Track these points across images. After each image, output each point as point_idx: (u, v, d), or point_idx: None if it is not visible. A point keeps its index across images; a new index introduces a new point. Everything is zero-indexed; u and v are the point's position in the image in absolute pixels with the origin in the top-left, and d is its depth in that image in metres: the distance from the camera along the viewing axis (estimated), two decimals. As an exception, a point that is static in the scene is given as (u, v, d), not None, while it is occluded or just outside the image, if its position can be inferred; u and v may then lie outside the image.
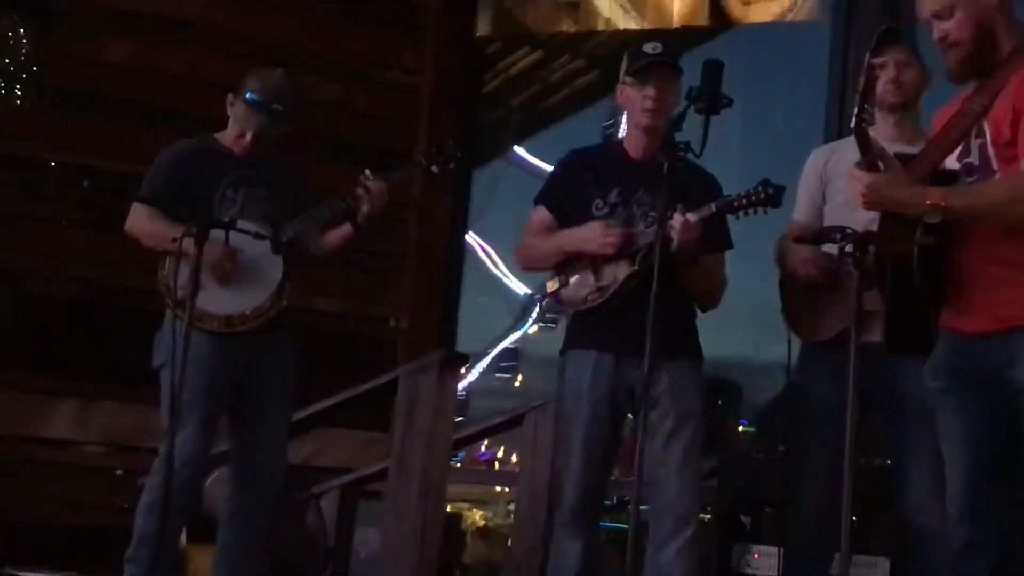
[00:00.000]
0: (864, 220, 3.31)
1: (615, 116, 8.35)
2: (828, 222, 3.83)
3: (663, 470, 3.78)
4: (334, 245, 4.38)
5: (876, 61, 3.35)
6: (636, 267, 3.79)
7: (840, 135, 5.81)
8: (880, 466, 4.12)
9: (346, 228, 4.32)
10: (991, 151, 3.13)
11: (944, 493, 3.22)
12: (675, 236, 3.64)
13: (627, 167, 3.96)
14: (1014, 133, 3.08)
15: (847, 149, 3.60)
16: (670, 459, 3.78)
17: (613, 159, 4.02)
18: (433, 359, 4.82)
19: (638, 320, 3.46)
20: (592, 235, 3.86)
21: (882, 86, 3.81)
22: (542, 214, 4.05)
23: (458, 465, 7.00)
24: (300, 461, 5.20)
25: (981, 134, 3.16)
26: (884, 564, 4.20)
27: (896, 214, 3.13)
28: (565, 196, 4.03)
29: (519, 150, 8.87)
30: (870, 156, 3.11)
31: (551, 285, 4.01)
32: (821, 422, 3.77)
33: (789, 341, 4.03)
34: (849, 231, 3.22)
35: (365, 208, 4.24)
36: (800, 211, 4.05)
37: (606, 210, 3.93)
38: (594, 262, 3.89)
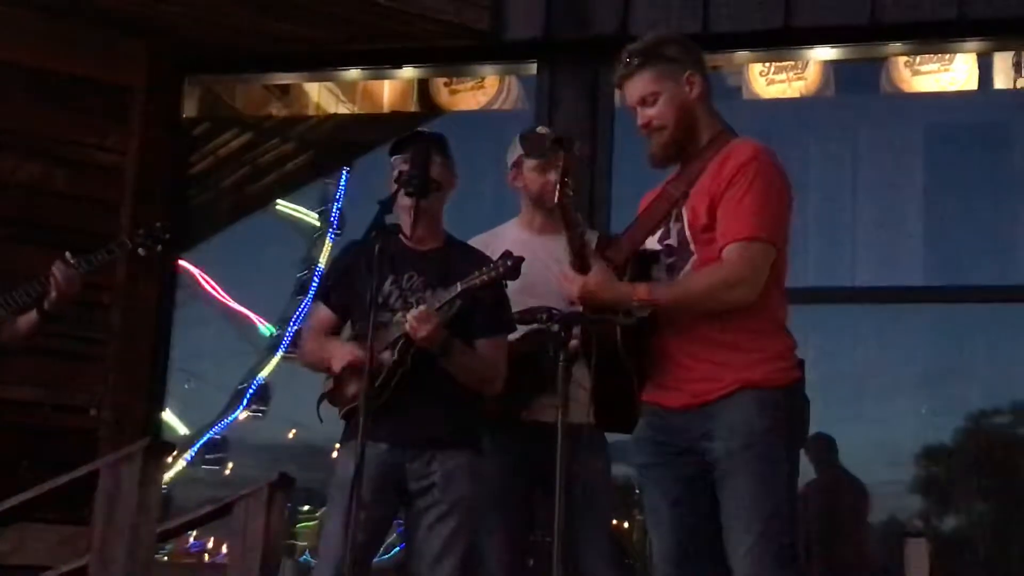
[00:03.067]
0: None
1: (327, 203, 8.32)
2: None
3: (421, 559, 3.78)
4: (22, 332, 4.22)
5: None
6: (395, 356, 3.77)
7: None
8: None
9: (33, 314, 4.17)
10: (688, 234, 3.25)
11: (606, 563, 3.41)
12: (409, 329, 3.64)
13: (403, 255, 3.94)
14: (711, 218, 3.21)
15: (502, 235, 4.10)
16: (428, 548, 3.78)
17: (389, 247, 3.90)
18: (136, 448, 4.62)
19: (408, 410, 3.46)
20: (339, 356, 3.88)
21: (540, 187, 4.08)
22: (321, 311, 4.06)
23: (165, 559, 6.73)
24: (-9, 560, 4.88)
25: (680, 218, 3.28)
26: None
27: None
28: (342, 290, 4.01)
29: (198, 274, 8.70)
30: (581, 257, 3.20)
31: (326, 384, 4.01)
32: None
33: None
34: (555, 311, 3.26)
35: (53, 294, 4.10)
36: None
37: (379, 301, 3.89)
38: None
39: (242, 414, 8.60)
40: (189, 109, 6.85)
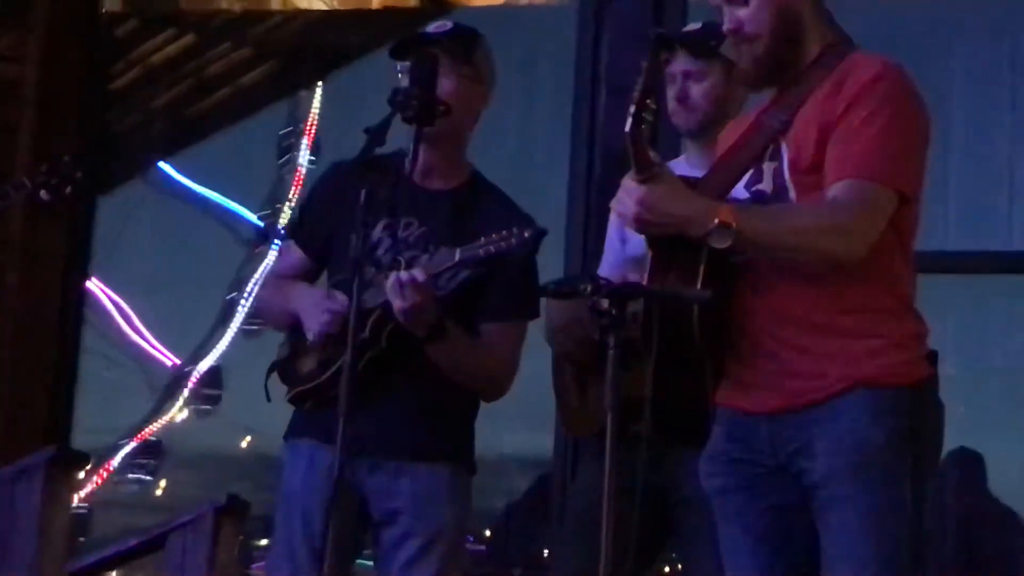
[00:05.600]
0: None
1: (297, 123, 8.34)
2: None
3: None
4: None
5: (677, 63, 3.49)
6: (366, 335, 3.73)
7: (591, 152, 6.00)
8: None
9: None
10: (788, 177, 3.27)
11: None
12: (393, 300, 3.64)
13: (409, 192, 3.87)
14: (820, 156, 3.22)
15: None
16: None
17: (391, 178, 3.77)
18: (37, 460, 4.74)
19: (373, 406, 3.48)
20: (310, 307, 3.88)
21: (684, 107, 3.98)
22: (291, 252, 4.11)
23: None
24: None
25: (777, 155, 3.30)
26: None
27: (672, 258, 3.23)
28: (319, 226, 4.04)
29: (164, 166, 8.75)
30: (644, 165, 3.16)
31: (280, 350, 4.02)
32: (590, 525, 3.85)
33: (559, 432, 4.11)
34: (603, 280, 3.26)
35: None
36: (602, 265, 4.16)
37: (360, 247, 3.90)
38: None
39: (180, 413, 8.68)
40: (110, 3, 6.90)
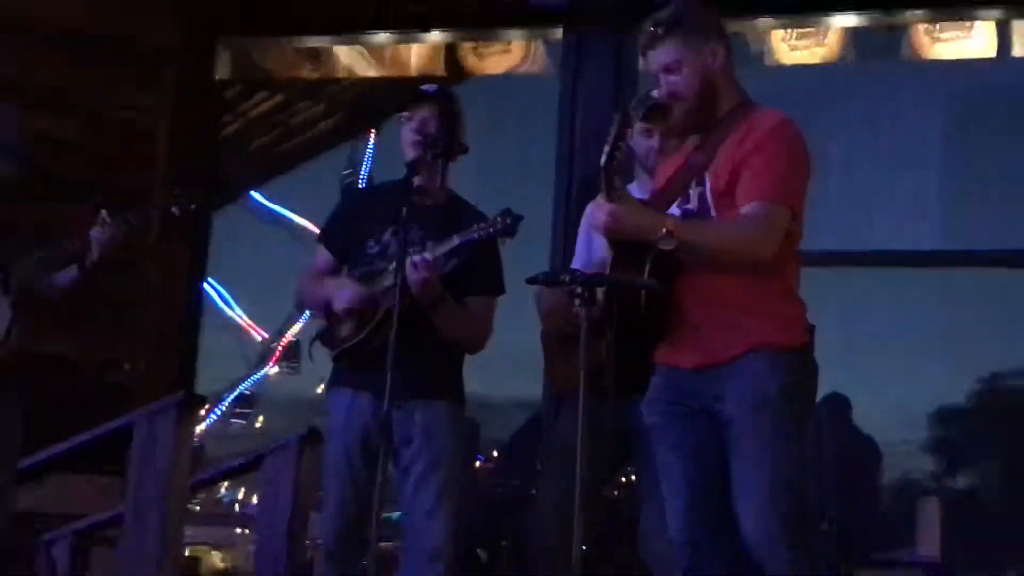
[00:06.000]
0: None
1: (354, 166, 8.33)
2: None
3: (414, 514, 3.79)
4: (62, 288, 4.20)
5: (638, 124, 3.47)
6: (390, 304, 3.71)
7: (570, 180, 6.00)
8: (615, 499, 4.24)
9: (74, 271, 4.17)
10: (710, 199, 3.27)
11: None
12: (410, 275, 3.64)
13: (409, 206, 3.78)
14: (732, 185, 3.22)
15: None
16: (420, 503, 3.78)
17: (394, 197, 3.81)
18: (170, 402, 4.70)
19: (394, 360, 3.46)
20: (342, 296, 3.86)
21: (645, 151, 3.95)
22: (322, 255, 4.04)
23: (197, 508, 6.82)
24: (31, 508, 4.94)
25: (701, 183, 3.28)
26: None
27: (628, 257, 3.22)
28: (343, 234, 4.01)
29: (255, 194, 8.74)
30: (612, 190, 3.18)
31: (321, 325, 3.98)
32: (570, 454, 3.85)
33: (546, 384, 4.04)
34: (578, 273, 3.26)
35: (95, 252, 4.09)
36: (574, 262, 4.09)
37: (377, 249, 3.90)
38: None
39: (273, 370, 8.71)
40: (221, 71, 6.86)
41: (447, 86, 4.24)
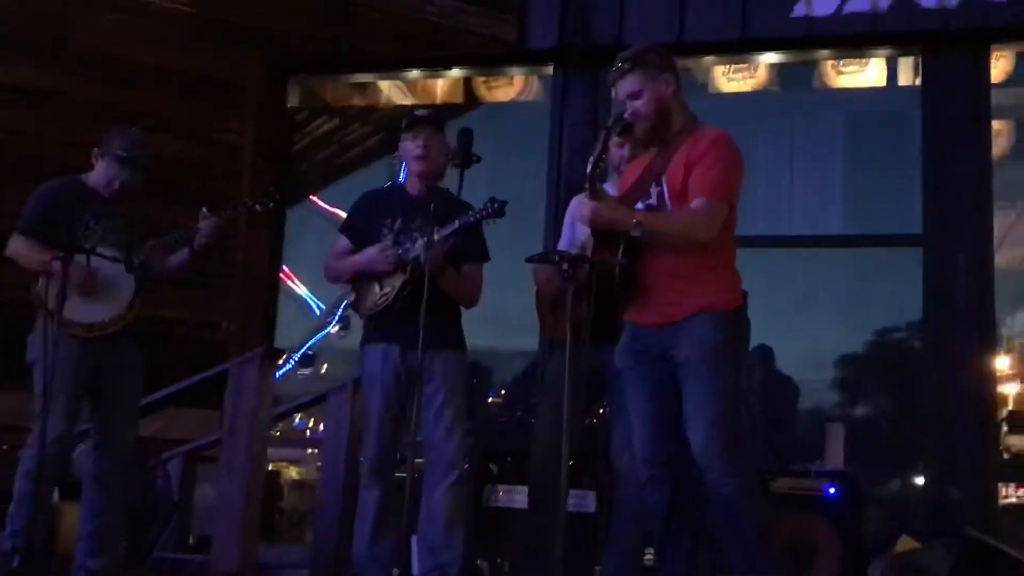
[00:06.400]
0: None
1: (392, 177, 8.26)
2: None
3: (436, 432, 3.77)
4: (175, 267, 4.25)
5: (614, 138, 3.46)
6: (407, 276, 3.77)
7: (559, 183, 6.00)
8: (592, 425, 4.24)
9: (184, 253, 4.21)
10: (667, 197, 3.27)
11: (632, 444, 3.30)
12: (425, 252, 3.63)
13: (407, 202, 3.93)
14: (685, 184, 3.22)
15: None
16: (441, 423, 3.78)
17: (397, 196, 3.98)
18: (256, 354, 4.72)
19: (415, 319, 3.46)
20: (375, 255, 3.84)
21: (618, 159, 3.90)
22: (342, 241, 4.01)
23: (278, 434, 6.84)
24: (151, 434, 4.98)
25: (660, 185, 3.28)
26: (592, 495, 4.31)
27: (605, 240, 3.22)
28: (359, 226, 3.99)
29: (316, 199, 8.72)
30: (595, 191, 3.18)
31: (351, 297, 3.97)
32: (559, 392, 3.85)
33: (540, 337, 4.00)
34: (565, 252, 3.26)
35: (202, 239, 4.14)
36: (560, 244, 4.07)
37: (390, 235, 3.90)
38: (379, 278, 3.86)
39: (334, 329, 8.73)
40: (292, 101, 6.89)
41: (438, 111, 4.20)
